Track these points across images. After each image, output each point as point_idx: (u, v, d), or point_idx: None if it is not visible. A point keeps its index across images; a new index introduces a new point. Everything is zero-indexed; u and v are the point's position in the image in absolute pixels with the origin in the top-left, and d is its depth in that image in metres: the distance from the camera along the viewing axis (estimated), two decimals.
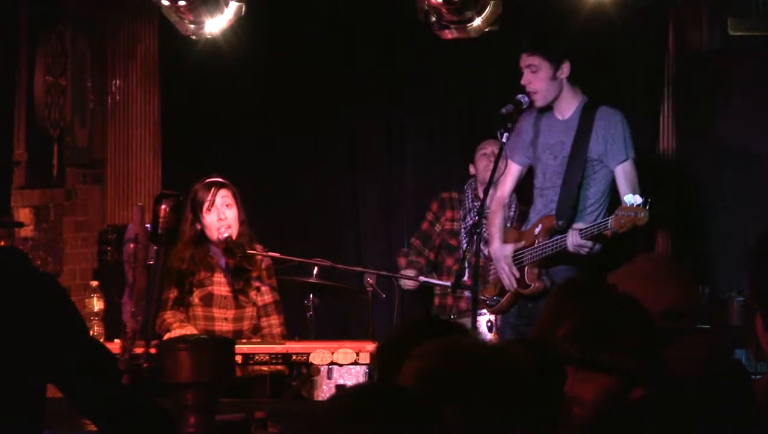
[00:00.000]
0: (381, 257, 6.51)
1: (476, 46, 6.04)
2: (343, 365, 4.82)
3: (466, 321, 5.08)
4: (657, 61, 6.23)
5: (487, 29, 5.79)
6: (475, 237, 4.84)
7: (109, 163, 6.83)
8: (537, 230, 5.16)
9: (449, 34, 5.84)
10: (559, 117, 5.20)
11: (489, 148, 5.81)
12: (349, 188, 6.68)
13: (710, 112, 6.13)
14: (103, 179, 6.81)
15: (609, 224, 4.76)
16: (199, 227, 5.10)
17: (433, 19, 5.83)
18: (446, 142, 6.58)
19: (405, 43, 6.51)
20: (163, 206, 3.83)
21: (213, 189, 5.08)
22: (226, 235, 5.09)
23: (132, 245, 3.75)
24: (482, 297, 5.33)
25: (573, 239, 4.93)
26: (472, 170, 5.97)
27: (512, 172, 5.35)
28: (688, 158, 6.25)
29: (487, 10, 5.72)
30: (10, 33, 5.76)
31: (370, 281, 5.64)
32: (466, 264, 5.40)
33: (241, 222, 5.11)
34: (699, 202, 6.20)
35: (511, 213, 5.84)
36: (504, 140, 4.96)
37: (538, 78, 5.10)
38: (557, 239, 5.03)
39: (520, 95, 5.06)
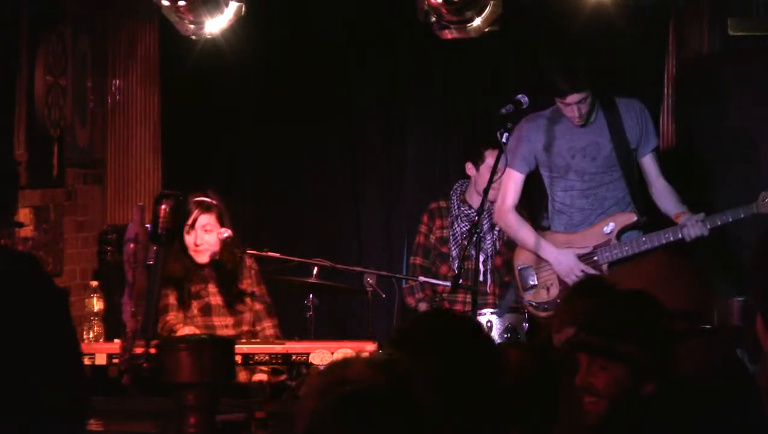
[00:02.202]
0: (381, 257, 6.51)
1: (476, 46, 6.04)
2: None
3: None
4: (657, 62, 6.23)
5: (487, 29, 5.79)
6: (475, 237, 4.85)
7: (109, 163, 6.83)
8: (608, 229, 5.19)
9: (449, 34, 5.84)
10: (581, 121, 5.23)
11: (489, 161, 5.83)
12: (349, 188, 6.67)
13: (710, 112, 6.12)
14: (104, 179, 6.81)
15: (755, 209, 4.90)
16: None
17: (433, 19, 5.83)
18: (446, 142, 6.57)
19: (405, 43, 6.50)
20: (163, 206, 3.84)
21: (196, 211, 5.12)
22: (225, 235, 5.11)
23: (132, 245, 3.75)
24: (529, 301, 5.35)
25: (697, 231, 5.00)
26: (468, 169, 5.94)
27: (518, 181, 5.39)
28: (688, 158, 6.24)
29: (487, 10, 5.72)
30: (10, 33, 5.76)
31: (370, 281, 5.63)
32: (466, 265, 5.41)
33: (224, 241, 5.13)
34: (698, 201, 6.19)
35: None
36: (504, 140, 4.96)
37: (586, 105, 5.20)
38: (665, 233, 5.08)
39: (520, 95, 5.06)
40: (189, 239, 5.14)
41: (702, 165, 6.20)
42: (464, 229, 5.89)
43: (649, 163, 5.28)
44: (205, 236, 5.13)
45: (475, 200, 5.84)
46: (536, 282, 5.39)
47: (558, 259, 5.30)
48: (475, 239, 4.87)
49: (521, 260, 5.46)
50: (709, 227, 5.01)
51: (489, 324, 5.29)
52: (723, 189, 6.08)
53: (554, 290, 5.32)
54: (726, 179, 6.06)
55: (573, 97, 5.16)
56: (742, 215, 4.98)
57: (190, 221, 5.11)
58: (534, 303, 5.36)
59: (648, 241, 5.13)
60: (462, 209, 5.95)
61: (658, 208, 5.33)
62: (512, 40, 6.15)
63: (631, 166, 5.27)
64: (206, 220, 5.14)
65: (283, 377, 5.09)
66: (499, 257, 5.90)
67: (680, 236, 5.07)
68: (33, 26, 5.93)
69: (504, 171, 5.52)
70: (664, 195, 5.27)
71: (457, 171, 6.22)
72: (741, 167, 6.02)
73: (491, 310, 5.38)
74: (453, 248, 5.93)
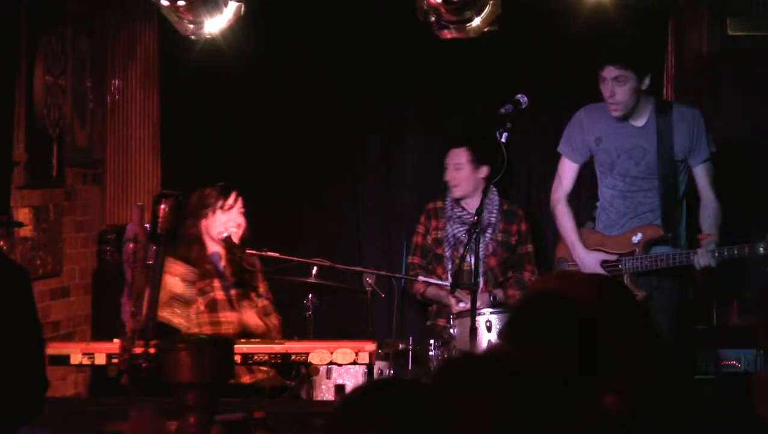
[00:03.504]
0: (381, 257, 6.51)
1: (476, 46, 6.04)
2: (342, 365, 4.83)
3: (465, 321, 5.08)
4: (657, 62, 6.23)
5: (486, 29, 5.79)
6: (474, 237, 4.85)
7: (108, 163, 6.83)
8: (636, 239, 5.21)
9: (448, 34, 5.85)
10: (633, 123, 5.24)
11: (452, 160, 5.92)
12: (349, 188, 6.67)
13: (709, 112, 6.12)
14: (103, 178, 6.81)
15: (761, 251, 4.84)
16: (202, 226, 5.14)
17: (433, 19, 5.83)
18: (446, 142, 6.57)
19: (405, 43, 6.51)
20: (162, 206, 3.84)
21: (234, 194, 5.18)
22: (225, 235, 5.12)
23: (131, 245, 3.75)
24: None
25: (706, 260, 5.00)
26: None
27: (572, 171, 5.44)
28: None
29: (487, 9, 5.73)
30: (10, 33, 5.75)
31: (370, 281, 5.64)
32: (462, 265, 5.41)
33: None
34: (697, 201, 6.20)
35: (493, 217, 5.88)
36: (503, 140, 4.96)
37: (623, 90, 5.16)
38: (678, 255, 5.10)
39: (519, 95, 5.07)
40: (224, 217, 5.17)
41: None
42: (457, 231, 5.92)
43: (699, 174, 5.25)
44: (240, 219, 5.19)
45: (470, 202, 5.87)
46: None
47: (583, 261, 5.37)
48: (474, 238, 4.87)
49: (560, 252, 5.53)
50: (717, 258, 5.01)
51: (488, 324, 5.29)
52: (722, 189, 6.08)
53: None
54: (725, 178, 6.06)
55: (609, 71, 5.14)
56: (747, 252, 4.98)
57: (230, 201, 5.17)
58: None
59: (664, 261, 5.14)
60: (455, 210, 5.97)
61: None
62: (512, 40, 6.15)
63: (670, 177, 5.21)
64: (241, 204, 5.21)
65: (278, 381, 5.12)
66: (494, 258, 5.91)
67: (691, 261, 5.08)
68: (33, 26, 5.93)
69: (502, 172, 5.53)
70: (704, 210, 5.26)
71: None
72: (740, 167, 6.02)
73: (491, 310, 5.39)
74: (447, 250, 5.95)
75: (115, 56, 6.80)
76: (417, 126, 6.61)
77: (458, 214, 5.96)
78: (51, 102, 6.13)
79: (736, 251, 4.99)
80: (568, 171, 5.46)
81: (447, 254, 5.93)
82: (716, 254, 5.01)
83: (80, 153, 6.53)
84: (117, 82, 6.80)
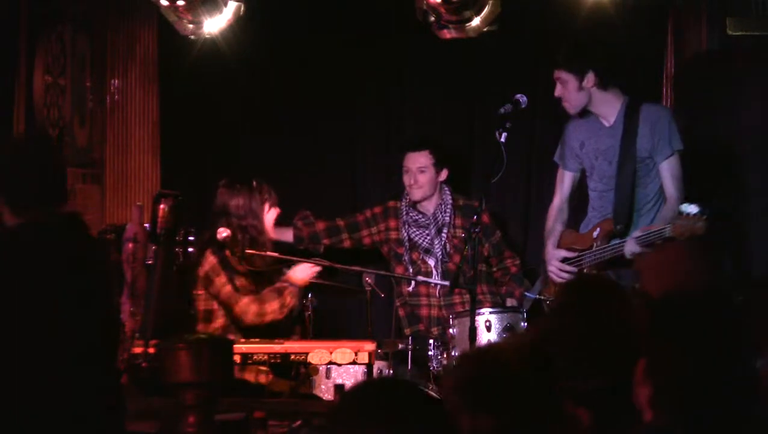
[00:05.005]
0: (380, 257, 6.51)
1: (476, 46, 6.04)
2: (341, 364, 4.84)
3: (465, 321, 5.09)
4: (656, 61, 6.23)
5: (485, 29, 5.80)
6: (474, 237, 4.86)
7: (108, 163, 6.83)
8: (595, 234, 5.29)
9: (448, 34, 5.85)
10: (605, 123, 5.31)
11: (413, 164, 5.99)
12: (349, 188, 6.67)
13: (709, 112, 6.13)
14: (102, 178, 6.81)
15: (667, 232, 4.84)
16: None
17: (432, 18, 5.84)
18: (445, 141, 6.57)
19: (404, 43, 6.50)
20: (161, 206, 3.85)
21: (272, 190, 5.31)
22: (224, 235, 5.14)
23: (131, 245, 3.76)
24: (543, 297, 5.43)
25: (630, 247, 5.02)
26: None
27: (566, 179, 5.51)
28: (686, 158, 6.24)
29: (486, 9, 5.74)
30: (10, 33, 5.76)
31: (369, 280, 5.65)
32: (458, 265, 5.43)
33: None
34: (697, 201, 6.19)
35: (447, 217, 5.93)
36: (503, 140, 4.98)
37: (566, 90, 5.26)
38: (615, 245, 5.14)
39: (518, 95, 5.09)
40: (274, 212, 5.50)
41: (700, 165, 6.20)
42: (412, 234, 5.98)
43: (662, 170, 5.27)
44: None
45: (426, 205, 5.92)
46: (549, 279, 5.48)
47: (546, 256, 5.46)
48: (474, 238, 4.88)
49: (544, 255, 5.57)
50: (640, 243, 5.02)
51: (488, 323, 5.30)
52: (721, 189, 6.09)
53: None
54: (724, 178, 6.07)
55: (554, 73, 5.25)
56: (658, 234, 4.96)
57: (274, 199, 5.44)
58: (545, 297, 5.44)
59: (608, 251, 5.19)
60: (411, 214, 6.00)
61: None
62: (511, 39, 6.15)
63: (628, 172, 5.24)
64: None
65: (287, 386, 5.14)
66: (457, 256, 5.92)
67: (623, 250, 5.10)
68: (32, 26, 5.93)
69: (501, 172, 5.56)
70: (664, 206, 5.29)
71: (456, 171, 6.23)
72: (739, 166, 6.02)
73: (490, 309, 5.40)
74: (405, 254, 5.98)
75: (114, 56, 6.80)
76: (416, 126, 6.61)
77: (414, 218, 6.00)
78: (50, 102, 6.14)
79: (652, 236, 5.00)
80: (562, 179, 5.55)
81: (406, 257, 5.98)
82: (640, 241, 5.03)
83: (80, 153, 6.53)
84: (117, 82, 6.80)
